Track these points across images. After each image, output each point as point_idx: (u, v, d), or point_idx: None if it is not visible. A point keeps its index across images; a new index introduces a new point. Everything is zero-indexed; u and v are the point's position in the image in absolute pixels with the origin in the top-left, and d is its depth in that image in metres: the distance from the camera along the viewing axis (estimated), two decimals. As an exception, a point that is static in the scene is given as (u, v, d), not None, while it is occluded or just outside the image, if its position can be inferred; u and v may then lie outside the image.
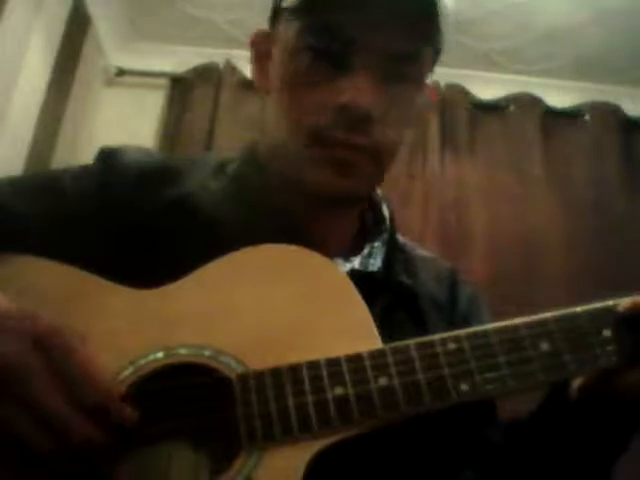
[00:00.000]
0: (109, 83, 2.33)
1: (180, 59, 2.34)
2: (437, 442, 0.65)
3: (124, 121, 2.23)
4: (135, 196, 0.69)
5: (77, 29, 2.08)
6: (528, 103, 2.29)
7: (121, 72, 2.32)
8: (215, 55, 2.31)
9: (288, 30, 0.68)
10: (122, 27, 2.31)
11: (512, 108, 2.29)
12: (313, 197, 0.69)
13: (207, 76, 2.29)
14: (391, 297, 0.71)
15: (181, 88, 2.31)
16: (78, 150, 2.13)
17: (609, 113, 2.30)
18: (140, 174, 0.72)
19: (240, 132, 2.16)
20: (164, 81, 2.35)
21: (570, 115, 2.32)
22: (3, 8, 1.67)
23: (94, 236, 0.67)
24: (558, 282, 2.06)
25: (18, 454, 0.51)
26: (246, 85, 2.27)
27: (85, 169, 0.74)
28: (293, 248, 0.63)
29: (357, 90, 0.63)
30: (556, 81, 2.36)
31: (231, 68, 2.29)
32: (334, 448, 0.54)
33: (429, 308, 0.74)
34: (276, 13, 0.72)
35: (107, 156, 0.74)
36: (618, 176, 2.22)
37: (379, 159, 0.68)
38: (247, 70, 2.29)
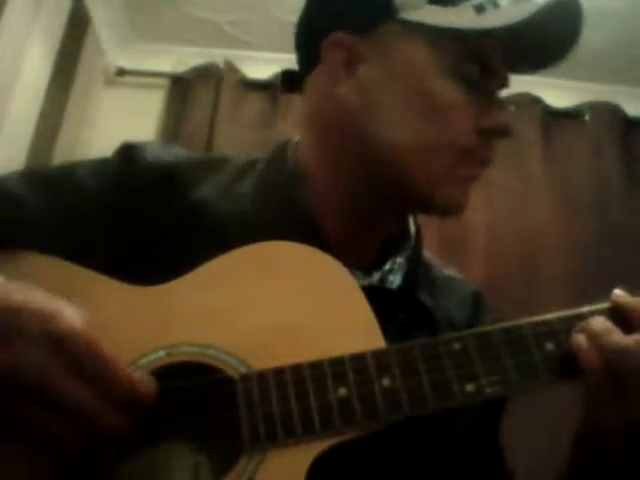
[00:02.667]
0: (109, 83, 2.33)
1: (180, 59, 2.34)
2: (442, 444, 0.65)
3: (124, 121, 2.22)
4: (153, 196, 0.68)
5: (77, 29, 2.07)
6: (528, 103, 2.29)
7: (121, 72, 2.32)
8: (215, 55, 2.31)
9: (418, 48, 0.66)
10: (122, 27, 2.31)
11: (512, 108, 2.29)
12: (412, 209, 0.74)
13: (207, 76, 2.29)
14: (408, 316, 0.70)
15: (181, 88, 2.31)
16: (78, 150, 2.13)
17: (609, 113, 2.29)
18: (160, 173, 0.70)
19: (240, 132, 2.16)
20: (164, 81, 2.34)
21: (570, 115, 2.32)
22: (3, 8, 1.66)
23: (104, 233, 0.66)
24: (558, 282, 2.06)
25: (43, 454, 0.52)
26: (246, 85, 2.27)
27: (103, 164, 0.72)
28: (297, 246, 0.62)
29: (503, 113, 0.70)
30: (556, 81, 2.36)
31: (231, 68, 2.29)
32: (337, 449, 0.54)
33: (445, 331, 0.72)
34: (379, 17, 0.68)
35: (127, 152, 0.72)
36: (618, 176, 2.22)
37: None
38: (247, 70, 2.29)
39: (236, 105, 2.24)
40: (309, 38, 0.74)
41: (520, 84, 2.32)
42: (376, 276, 0.71)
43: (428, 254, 0.81)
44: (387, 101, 0.67)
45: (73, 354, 0.51)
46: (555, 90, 2.35)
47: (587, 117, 2.30)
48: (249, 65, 2.28)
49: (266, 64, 2.25)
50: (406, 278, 0.72)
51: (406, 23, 0.66)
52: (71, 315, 0.52)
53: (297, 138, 0.77)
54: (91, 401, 0.51)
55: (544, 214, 2.16)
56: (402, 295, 0.71)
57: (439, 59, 0.66)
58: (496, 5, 0.65)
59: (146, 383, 0.54)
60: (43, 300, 0.53)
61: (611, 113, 2.29)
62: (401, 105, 0.67)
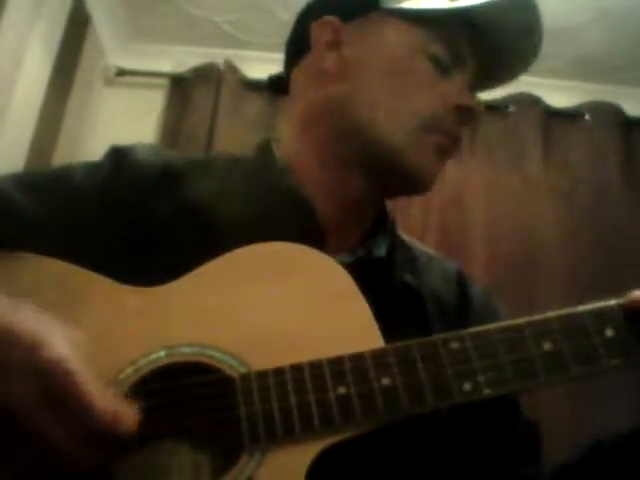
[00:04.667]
0: (109, 83, 2.33)
1: (180, 59, 2.34)
2: (441, 442, 0.65)
3: (124, 121, 2.22)
4: (145, 197, 0.69)
5: (77, 29, 2.08)
6: (528, 103, 2.29)
7: (121, 72, 2.32)
8: (215, 55, 2.31)
9: (397, 31, 0.74)
10: (122, 27, 2.31)
11: (512, 108, 2.29)
12: (390, 182, 0.75)
13: (207, 76, 2.29)
14: (395, 295, 0.71)
15: (181, 88, 2.31)
16: (78, 150, 2.13)
17: (609, 113, 2.29)
18: (152, 174, 0.71)
19: (240, 132, 2.16)
20: (164, 81, 2.34)
21: (570, 115, 2.32)
22: (3, 8, 1.66)
23: (101, 235, 0.66)
24: (558, 282, 2.06)
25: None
26: (246, 85, 2.27)
27: (94, 167, 0.73)
28: (296, 246, 0.63)
29: (471, 94, 0.75)
30: (556, 81, 2.36)
31: (231, 68, 2.29)
32: (337, 448, 0.54)
33: (432, 307, 0.74)
34: (365, 7, 0.77)
35: (117, 155, 0.73)
36: (618, 176, 2.22)
37: (452, 155, 0.77)
38: (247, 70, 2.29)
39: (236, 105, 2.24)
40: (301, 26, 0.81)
41: (520, 84, 2.32)
42: (361, 252, 0.74)
43: (406, 236, 0.84)
44: (366, 81, 0.74)
45: (52, 388, 0.50)
46: (555, 90, 2.35)
47: (587, 117, 2.30)
48: (249, 65, 2.28)
49: (266, 64, 2.24)
50: (389, 251, 0.76)
51: (387, 12, 0.75)
52: (58, 343, 0.51)
53: (278, 136, 0.81)
54: (64, 438, 0.50)
55: (544, 214, 2.16)
56: (388, 265, 0.75)
57: (414, 41, 0.73)
58: None
59: (125, 415, 0.52)
60: (31, 323, 0.52)
61: (611, 113, 2.29)
62: (378, 85, 0.73)
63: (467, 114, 0.74)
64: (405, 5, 0.74)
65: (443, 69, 0.74)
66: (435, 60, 0.73)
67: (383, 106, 0.72)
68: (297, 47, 0.81)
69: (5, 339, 0.51)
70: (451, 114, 0.73)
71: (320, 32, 0.77)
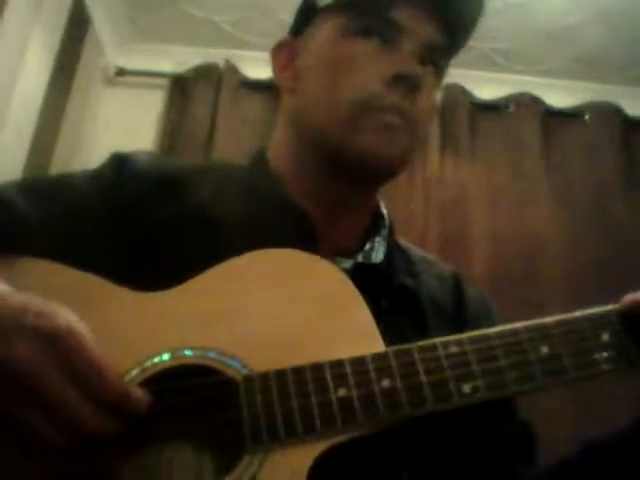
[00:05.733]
0: (109, 83, 2.33)
1: (180, 59, 2.34)
2: (442, 444, 0.65)
3: (124, 121, 2.23)
4: (145, 203, 0.70)
5: (77, 29, 2.08)
6: (528, 103, 2.29)
7: (121, 72, 2.32)
8: (215, 55, 2.32)
9: (328, 24, 0.74)
10: (122, 27, 2.31)
11: (512, 108, 2.29)
12: (351, 173, 0.73)
13: (207, 76, 2.29)
14: (393, 299, 0.72)
15: (181, 88, 2.31)
16: (78, 150, 2.13)
17: (609, 113, 2.30)
18: (152, 181, 0.72)
19: (240, 132, 2.16)
20: (164, 81, 2.35)
21: (570, 115, 2.32)
22: (3, 8, 1.66)
23: (101, 240, 0.67)
24: (558, 282, 2.06)
25: (32, 452, 0.51)
26: (246, 85, 2.28)
27: (96, 173, 0.74)
28: (297, 252, 0.63)
29: (411, 61, 0.71)
30: (556, 81, 2.36)
31: (231, 68, 2.29)
32: (338, 449, 0.54)
33: (430, 310, 0.75)
34: (307, 15, 0.78)
35: (118, 161, 0.74)
36: (618, 176, 2.22)
37: (414, 131, 0.72)
38: (247, 70, 2.30)
39: (236, 105, 2.24)
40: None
41: (520, 84, 2.33)
42: (359, 257, 0.74)
43: (403, 241, 0.84)
44: (309, 84, 0.75)
45: (65, 351, 0.51)
46: (555, 90, 2.35)
47: (587, 117, 2.30)
48: (249, 65, 2.28)
49: (266, 64, 2.23)
50: (387, 255, 0.76)
51: (323, 12, 0.75)
52: (69, 315, 0.53)
53: (271, 143, 0.82)
54: (76, 400, 0.51)
55: (544, 214, 2.16)
56: (386, 269, 0.75)
57: (345, 25, 0.72)
58: None
59: (137, 390, 0.54)
60: (42, 303, 0.54)
61: (611, 113, 2.30)
62: (317, 82, 0.74)
63: (407, 83, 0.70)
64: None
65: (382, 40, 0.71)
66: (366, 32, 0.71)
67: (323, 101, 0.72)
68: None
69: (17, 309, 0.53)
70: (391, 88, 0.70)
71: (276, 57, 0.80)
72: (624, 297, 0.60)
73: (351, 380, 0.56)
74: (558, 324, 0.59)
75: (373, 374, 0.56)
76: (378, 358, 0.57)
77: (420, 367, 0.57)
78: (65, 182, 0.73)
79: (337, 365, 0.56)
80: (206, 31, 2.30)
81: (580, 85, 2.38)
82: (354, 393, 0.55)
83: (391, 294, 0.72)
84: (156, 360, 0.58)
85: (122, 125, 2.20)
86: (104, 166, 0.75)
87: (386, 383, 0.56)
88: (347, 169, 0.73)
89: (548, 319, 0.59)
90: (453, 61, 0.78)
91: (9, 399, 0.51)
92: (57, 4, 1.96)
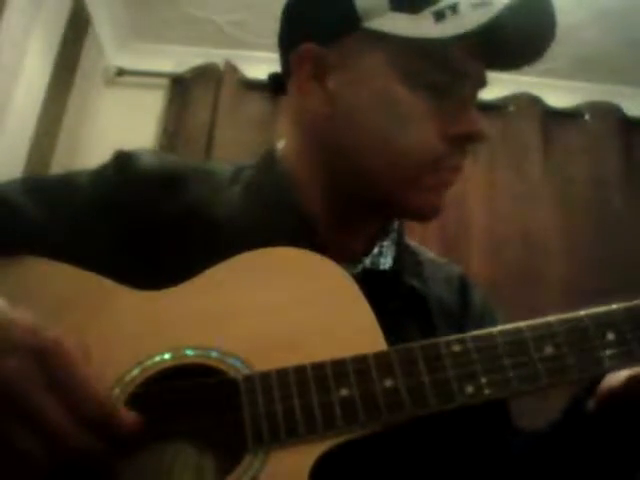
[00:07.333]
0: (109, 83, 2.33)
1: (180, 59, 2.34)
2: (444, 444, 0.65)
3: (124, 121, 2.23)
4: (148, 202, 0.69)
5: (77, 29, 2.08)
6: (528, 103, 2.29)
7: (121, 72, 2.32)
8: (215, 55, 2.32)
9: (380, 55, 0.67)
10: (122, 27, 2.31)
11: (512, 108, 2.29)
12: (387, 213, 0.73)
13: (207, 76, 2.29)
14: (401, 301, 0.71)
15: (181, 88, 2.31)
16: (78, 150, 2.13)
17: (609, 113, 2.30)
18: (155, 180, 0.71)
19: (240, 132, 2.16)
20: (164, 81, 2.35)
21: (570, 115, 2.32)
22: (3, 8, 1.66)
23: (103, 239, 0.67)
24: (558, 282, 2.06)
25: (19, 470, 0.50)
26: (246, 85, 2.28)
27: (98, 172, 0.73)
28: (298, 250, 0.63)
29: (478, 118, 0.68)
30: (556, 81, 2.36)
31: (231, 68, 2.29)
32: (339, 449, 0.54)
33: (438, 312, 0.74)
34: (346, 27, 0.68)
35: (121, 160, 0.74)
36: (618, 176, 2.22)
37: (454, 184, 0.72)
38: (247, 70, 2.30)
39: (236, 105, 2.24)
40: (282, 49, 0.75)
41: (520, 84, 2.33)
42: (367, 262, 0.73)
43: (412, 242, 0.83)
44: (354, 111, 0.68)
45: (53, 367, 0.50)
46: (555, 90, 2.35)
47: (587, 117, 2.31)
48: (249, 65, 2.28)
49: (266, 64, 2.23)
50: (396, 259, 0.75)
51: (370, 32, 0.66)
52: (59, 333, 0.52)
53: (282, 143, 0.79)
54: (61, 417, 0.50)
55: (544, 214, 2.16)
56: (394, 276, 0.73)
57: (401, 68, 0.66)
58: (455, 11, 0.64)
59: (123, 410, 0.53)
60: (29, 318, 0.53)
61: (611, 113, 2.30)
62: (367, 115, 0.67)
63: (469, 141, 0.69)
64: (389, 29, 0.66)
65: (439, 93, 0.66)
66: (432, 87, 0.66)
67: (379, 150, 0.67)
68: (285, 69, 0.75)
69: (7, 325, 0.52)
70: (452, 146, 0.68)
71: (301, 66, 0.70)
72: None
73: (353, 379, 0.55)
74: (562, 323, 0.58)
75: (375, 373, 0.56)
76: (380, 357, 0.57)
77: (422, 366, 0.56)
78: (69, 181, 0.73)
79: (339, 364, 0.56)
80: (206, 31, 2.30)
81: (580, 85, 2.38)
82: (356, 393, 0.55)
83: (399, 297, 0.72)
84: (157, 359, 0.58)
85: (122, 125, 2.20)
86: (108, 165, 0.74)
87: (388, 382, 0.55)
88: (387, 212, 0.73)
89: (552, 318, 0.59)
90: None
91: None
92: (57, 4, 1.95)
